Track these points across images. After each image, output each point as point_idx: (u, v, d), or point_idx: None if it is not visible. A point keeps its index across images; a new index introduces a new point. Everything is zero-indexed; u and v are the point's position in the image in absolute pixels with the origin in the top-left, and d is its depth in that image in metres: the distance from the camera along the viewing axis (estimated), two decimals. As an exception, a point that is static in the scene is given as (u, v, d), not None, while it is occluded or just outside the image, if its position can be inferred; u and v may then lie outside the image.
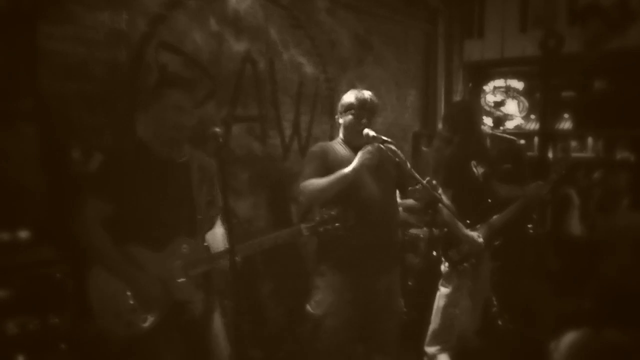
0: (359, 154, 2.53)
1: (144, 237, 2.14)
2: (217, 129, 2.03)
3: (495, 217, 3.28)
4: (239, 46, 3.45)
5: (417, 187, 2.47)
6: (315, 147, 2.81)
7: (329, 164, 2.64)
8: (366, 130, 2.60)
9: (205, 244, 2.36)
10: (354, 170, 2.51)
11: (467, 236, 3.13)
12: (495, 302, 3.53)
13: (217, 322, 2.40)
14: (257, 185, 3.60)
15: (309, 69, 3.99)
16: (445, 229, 3.16)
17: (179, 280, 2.15)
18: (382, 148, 2.50)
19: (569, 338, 2.45)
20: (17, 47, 2.35)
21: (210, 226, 2.43)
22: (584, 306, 3.62)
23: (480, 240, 3.17)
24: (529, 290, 3.88)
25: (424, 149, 4.95)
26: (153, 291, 2.11)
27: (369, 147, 2.51)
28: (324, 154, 2.70)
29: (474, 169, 3.32)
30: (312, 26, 3.99)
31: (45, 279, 2.23)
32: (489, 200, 3.30)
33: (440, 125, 5.20)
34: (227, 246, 2.23)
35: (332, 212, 2.41)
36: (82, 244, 2.16)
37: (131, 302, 2.10)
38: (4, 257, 2.20)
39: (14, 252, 2.24)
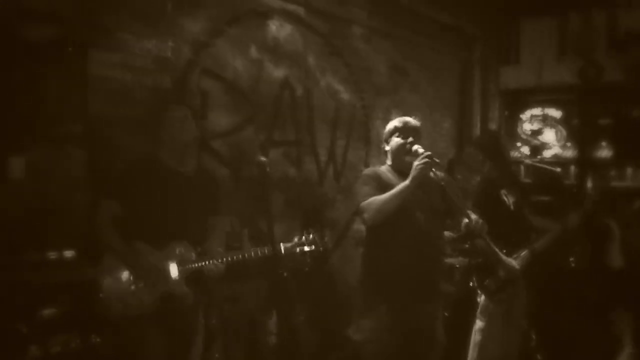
0: (414, 165, 2.47)
1: (147, 236, 2.35)
2: (264, 158, 2.09)
3: (529, 248, 3.21)
4: (278, 73, 3.52)
5: (464, 221, 2.45)
6: (368, 171, 2.79)
7: (381, 187, 2.62)
8: (415, 147, 2.55)
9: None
10: (413, 179, 2.44)
11: (504, 263, 3.07)
12: (533, 336, 3.42)
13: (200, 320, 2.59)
14: (292, 209, 3.62)
15: (345, 95, 4.04)
16: (481, 259, 3.10)
17: (173, 277, 2.35)
18: (434, 161, 2.47)
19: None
20: (70, 73, 2.46)
21: (209, 234, 2.56)
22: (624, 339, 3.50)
23: (517, 267, 3.11)
24: (569, 323, 3.75)
25: (459, 176, 4.90)
26: (151, 277, 2.33)
27: (423, 158, 2.49)
28: (378, 177, 2.69)
29: (505, 198, 3.27)
30: (349, 53, 4.06)
31: (89, 299, 2.29)
32: (522, 231, 3.23)
33: (467, 154, 5.15)
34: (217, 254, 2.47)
35: (311, 235, 2.44)
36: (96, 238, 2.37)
37: (132, 287, 2.31)
38: (51, 275, 2.27)
39: (59, 271, 2.30)
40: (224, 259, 2.41)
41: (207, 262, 2.38)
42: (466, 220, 2.44)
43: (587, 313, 3.74)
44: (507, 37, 5.62)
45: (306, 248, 2.47)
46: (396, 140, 2.71)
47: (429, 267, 2.69)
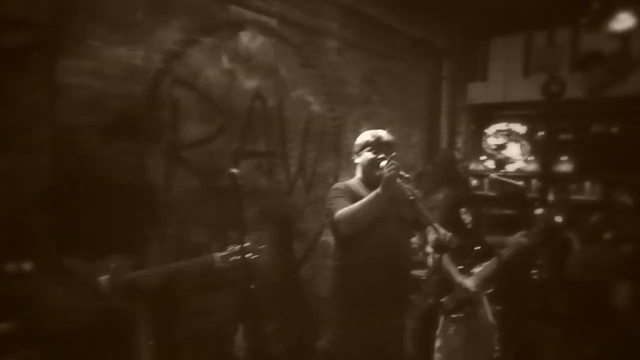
0: (383, 175, 2.46)
1: (80, 249, 2.32)
2: (235, 170, 2.08)
3: (484, 265, 3.27)
4: (250, 83, 3.50)
5: (432, 237, 2.49)
6: (339, 185, 2.79)
7: (354, 200, 2.62)
8: (384, 163, 2.59)
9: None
10: (384, 187, 2.45)
11: (461, 282, 3.11)
12: (497, 348, 3.49)
13: (143, 333, 2.55)
14: (262, 220, 3.61)
15: (316, 106, 4.05)
16: (440, 275, 3.12)
17: (103, 289, 2.34)
18: (400, 173, 2.49)
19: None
20: (37, 79, 2.40)
21: (146, 246, 2.57)
22: (589, 351, 3.60)
23: (472, 287, 3.14)
24: (534, 335, 3.84)
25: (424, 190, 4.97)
26: (84, 291, 2.30)
27: (390, 166, 2.49)
28: (349, 190, 2.70)
29: (463, 215, 3.32)
30: (321, 65, 4.07)
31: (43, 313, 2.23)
32: (478, 248, 3.28)
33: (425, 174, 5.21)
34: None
35: (246, 244, 2.45)
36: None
37: (66, 302, 2.26)
38: (9, 288, 2.19)
39: (18, 284, 2.23)
40: (160, 270, 2.39)
41: (140, 274, 2.36)
42: (435, 233, 2.47)
43: (552, 323, 3.85)
44: (475, 55, 5.77)
45: (240, 256, 2.48)
46: (367, 155, 2.73)
47: (399, 279, 2.72)
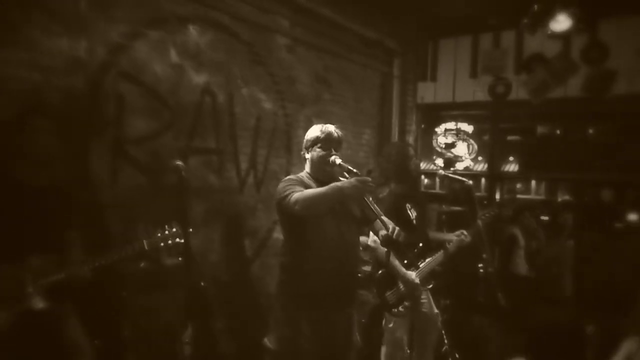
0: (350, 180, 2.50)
1: (4, 250, 2.23)
2: (180, 163, 2.03)
3: (426, 260, 3.31)
4: (199, 78, 3.45)
5: (382, 232, 2.51)
6: (291, 176, 2.79)
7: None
8: (333, 157, 2.62)
9: None
10: (351, 194, 2.49)
11: (404, 276, 3.14)
12: (446, 341, 3.56)
13: (75, 330, 2.48)
14: (211, 218, 3.56)
15: (267, 104, 4.03)
16: (382, 270, 3.15)
17: (29, 290, 2.26)
18: (350, 169, 2.52)
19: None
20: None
21: (68, 245, 2.46)
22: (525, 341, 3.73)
23: (416, 281, 3.18)
24: (479, 327, 3.94)
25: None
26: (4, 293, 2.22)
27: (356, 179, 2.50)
28: (301, 181, 2.71)
29: (409, 211, 3.36)
30: (272, 62, 4.05)
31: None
32: (421, 244, 3.32)
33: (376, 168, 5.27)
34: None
35: (173, 229, 2.47)
36: None
37: None
38: None
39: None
40: (90, 265, 2.32)
41: (68, 273, 2.28)
42: (383, 228, 2.50)
43: (496, 316, 3.96)
44: (425, 55, 5.88)
45: (169, 241, 2.47)
46: (318, 152, 2.74)
47: (347, 275, 2.73)
